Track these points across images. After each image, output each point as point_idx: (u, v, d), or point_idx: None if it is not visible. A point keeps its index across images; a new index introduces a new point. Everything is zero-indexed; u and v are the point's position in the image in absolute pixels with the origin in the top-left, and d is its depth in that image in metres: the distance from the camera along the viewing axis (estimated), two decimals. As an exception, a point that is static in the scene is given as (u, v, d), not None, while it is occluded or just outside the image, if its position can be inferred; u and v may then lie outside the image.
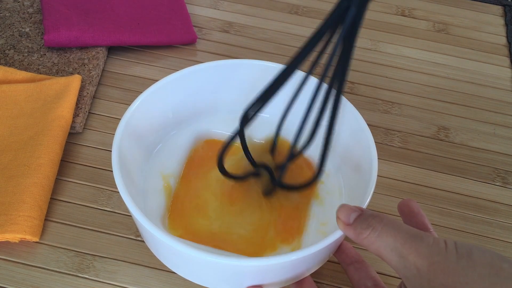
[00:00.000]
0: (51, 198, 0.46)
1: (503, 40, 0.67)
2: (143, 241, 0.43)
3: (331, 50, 0.33)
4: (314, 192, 0.46)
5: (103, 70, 0.57)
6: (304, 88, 0.39)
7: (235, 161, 0.46)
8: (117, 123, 0.42)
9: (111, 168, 0.39)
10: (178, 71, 0.46)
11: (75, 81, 0.51)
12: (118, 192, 0.38)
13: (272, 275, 0.38)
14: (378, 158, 0.41)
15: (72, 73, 0.54)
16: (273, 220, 0.44)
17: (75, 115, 0.51)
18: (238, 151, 0.45)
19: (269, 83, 0.36)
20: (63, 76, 0.54)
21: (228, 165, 0.43)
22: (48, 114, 0.49)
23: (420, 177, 0.51)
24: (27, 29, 0.59)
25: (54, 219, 0.45)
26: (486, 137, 0.55)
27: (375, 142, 0.42)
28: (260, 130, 0.48)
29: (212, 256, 0.35)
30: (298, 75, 0.39)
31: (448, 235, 0.47)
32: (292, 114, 0.41)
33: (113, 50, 0.59)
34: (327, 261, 0.43)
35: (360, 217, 0.34)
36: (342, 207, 0.35)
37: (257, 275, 0.38)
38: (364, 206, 0.39)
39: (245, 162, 0.43)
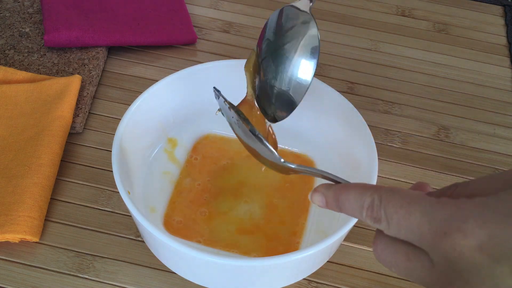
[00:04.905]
0: (51, 198, 0.46)
1: (503, 40, 0.67)
2: (143, 241, 0.43)
3: None
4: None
5: (103, 70, 0.57)
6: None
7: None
8: (117, 123, 0.42)
9: (111, 168, 0.39)
10: (178, 71, 0.47)
11: (75, 81, 0.51)
12: (118, 192, 0.38)
13: (272, 275, 0.38)
14: (378, 158, 0.41)
15: (72, 73, 0.54)
16: (273, 219, 0.44)
17: (75, 115, 0.51)
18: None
19: None
20: (63, 76, 0.54)
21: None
22: (48, 114, 0.49)
23: (420, 177, 0.51)
24: (27, 29, 0.59)
25: (54, 219, 0.45)
26: (486, 137, 0.55)
27: (375, 142, 0.42)
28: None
29: (212, 256, 0.35)
30: None
31: (448, 235, 0.47)
32: None
33: (113, 50, 0.59)
34: (327, 261, 0.43)
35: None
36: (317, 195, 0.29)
37: (257, 275, 0.38)
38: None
39: None
